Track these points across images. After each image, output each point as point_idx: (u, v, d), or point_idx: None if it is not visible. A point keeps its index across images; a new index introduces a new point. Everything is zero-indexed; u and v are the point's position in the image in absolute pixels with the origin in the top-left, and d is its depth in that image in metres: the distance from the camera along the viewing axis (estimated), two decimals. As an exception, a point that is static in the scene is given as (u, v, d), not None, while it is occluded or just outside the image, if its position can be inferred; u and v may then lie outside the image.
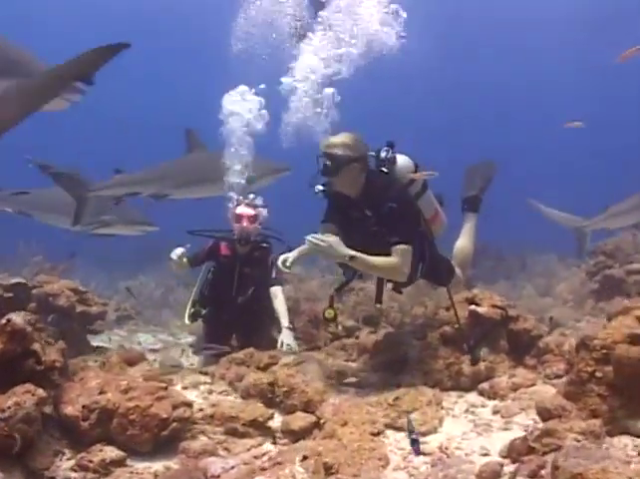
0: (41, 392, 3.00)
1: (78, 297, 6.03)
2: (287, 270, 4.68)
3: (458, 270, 5.34)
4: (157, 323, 9.62)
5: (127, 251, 14.41)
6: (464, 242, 5.65)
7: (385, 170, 4.62)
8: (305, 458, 2.90)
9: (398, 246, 4.44)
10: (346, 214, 4.69)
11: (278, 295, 5.69)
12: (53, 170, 7.65)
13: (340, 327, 6.45)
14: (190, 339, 7.85)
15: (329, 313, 4.70)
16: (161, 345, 7.57)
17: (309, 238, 4.29)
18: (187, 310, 5.91)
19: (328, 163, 4.46)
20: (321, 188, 4.55)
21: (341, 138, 4.54)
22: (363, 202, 4.57)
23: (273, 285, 5.77)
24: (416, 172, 4.76)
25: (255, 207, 5.80)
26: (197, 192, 8.22)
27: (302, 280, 8.89)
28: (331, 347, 5.97)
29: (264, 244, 5.88)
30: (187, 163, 8.18)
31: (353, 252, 4.31)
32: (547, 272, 12.62)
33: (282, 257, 4.64)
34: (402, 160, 4.73)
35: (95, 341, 6.65)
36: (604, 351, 3.37)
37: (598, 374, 3.37)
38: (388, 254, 4.47)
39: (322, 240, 4.26)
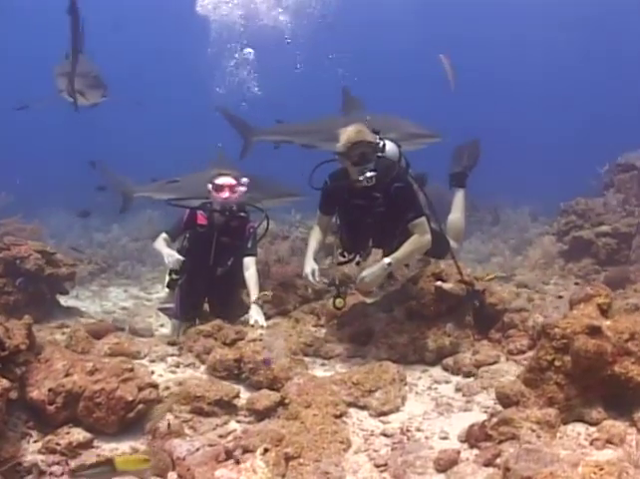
0: (5, 383, 3.00)
1: (46, 259, 5.97)
2: (315, 283, 5.01)
3: (452, 243, 5.56)
4: (128, 276, 9.61)
5: (102, 201, 14.26)
6: (455, 216, 6.01)
7: (380, 154, 4.86)
8: (266, 451, 2.95)
9: (415, 221, 4.80)
10: (348, 201, 4.93)
11: (251, 267, 5.65)
12: (231, 115, 9.17)
13: (310, 290, 6.49)
14: (162, 294, 7.87)
15: (339, 302, 4.93)
16: (132, 303, 7.58)
17: (359, 283, 4.84)
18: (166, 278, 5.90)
19: (366, 151, 4.70)
20: (369, 174, 4.69)
21: (363, 128, 4.83)
22: (369, 187, 4.77)
23: (248, 256, 5.73)
24: (400, 153, 5.12)
25: (235, 177, 5.72)
26: None
27: (272, 242, 8.88)
28: (300, 311, 6.00)
29: (242, 214, 5.81)
30: (339, 120, 8.29)
31: (387, 260, 4.70)
32: (519, 228, 12.75)
33: (309, 272, 4.90)
34: (390, 145, 5.06)
35: (65, 299, 6.64)
36: (564, 341, 3.44)
37: (557, 363, 3.45)
38: (395, 231, 4.85)
39: (366, 277, 4.70)
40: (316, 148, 8.77)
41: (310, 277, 4.92)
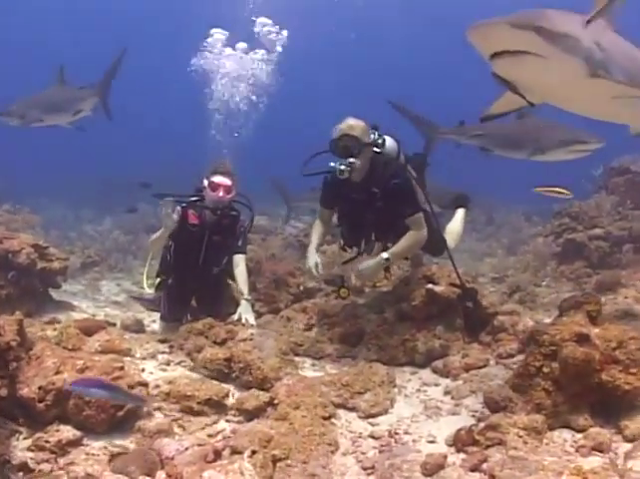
0: (-5, 380, 3.02)
1: (39, 253, 5.97)
2: (317, 275, 5.08)
3: (449, 240, 5.62)
4: (121, 269, 9.59)
5: (95, 191, 14.28)
6: (455, 224, 6.14)
7: (377, 150, 4.91)
8: (254, 453, 2.97)
9: (412, 217, 4.87)
10: (347, 196, 5.01)
11: (240, 264, 5.63)
12: (410, 112, 8.84)
13: (302, 288, 6.52)
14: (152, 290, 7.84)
15: (343, 292, 5.04)
16: (124, 297, 7.58)
17: (355, 276, 5.06)
18: (145, 276, 5.86)
19: (349, 144, 4.74)
20: (342, 167, 4.74)
21: (357, 122, 4.85)
22: (367, 182, 4.88)
23: (238, 253, 5.71)
24: (399, 149, 5.10)
25: (232, 176, 5.61)
26: (512, 154, 8.38)
27: (265, 239, 8.90)
28: (291, 310, 6.00)
29: (233, 212, 5.75)
30: (512, 126, 8.18)
31: (385, 255, 4.78)
32: (513, 228, 12.78)
33: (312, 265, 4.98)
34: (389, 140, 5.06)
35: (57, 293, 6.63)
36: (552, 348, 3.47)
37: (545, 370, 3.49)
38: (394, 226, 4.93)
39: (363, 271, 4.82)
40: (490, 152, 8.45)
41: (314, 270, 4.99)
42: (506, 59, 3.62)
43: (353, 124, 4.82)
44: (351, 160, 4.73)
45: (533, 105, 4.24)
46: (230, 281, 5.83)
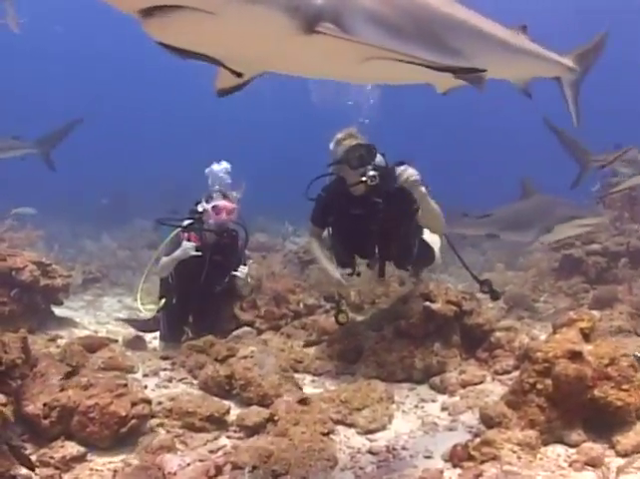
0: (1, 397, 3.09)
1: (42, 270, 6.04)
2: (346, 284, 5.05)
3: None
4: (122, 284, 9.65)
5: (94, 208, 14.34)
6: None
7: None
8: (254, 468, 3.04)
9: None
10: (346, 212, 4.93)
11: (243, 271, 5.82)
12: (561, 133, 8.37)
13: (302, 305, 6.58)
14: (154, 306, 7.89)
15: (342, 317, 4.92)
16: (126, 313, 7.64)
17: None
18: (139, 298, 5.94)
19: (364, 152, 4.71)
20: (372, 173, 4.62)
21: (355, 131, 4.90)
22: (369, 193, 4.80)
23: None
24: (385, 161, 4.98)
25: (232, 200, 5.76)
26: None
27: (265, 256, 8.95)
28: (291, 327, 6.08)
29: (232, 232, 5.88)
30: None
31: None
32: (511, 243, 12.78)
33: (339, 276, 4.94)
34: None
35: (60, 309, 6.68)
36: (546, 365, 3.54)
37: (539, 386, 3.55)
38: (396, 238, 4.92)
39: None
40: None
41: (344, 281, 4.98)
42: (155, 20, 2.30)
43: (354, 133, 4.85)
44: (371, 167, 4.65)
45: (240, 75, 2.88)
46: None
